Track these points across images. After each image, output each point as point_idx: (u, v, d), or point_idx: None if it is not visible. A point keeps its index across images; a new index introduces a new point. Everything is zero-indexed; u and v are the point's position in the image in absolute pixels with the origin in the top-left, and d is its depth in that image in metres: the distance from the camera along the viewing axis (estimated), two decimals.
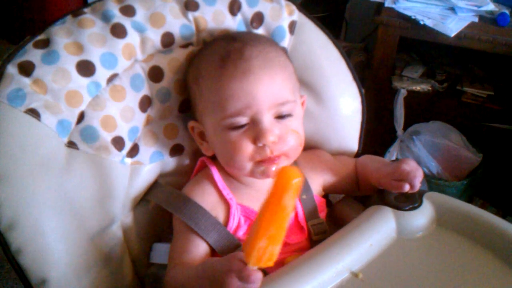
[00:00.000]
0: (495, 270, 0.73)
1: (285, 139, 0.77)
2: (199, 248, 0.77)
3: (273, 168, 0.77)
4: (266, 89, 0.76)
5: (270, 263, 0.64)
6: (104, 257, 0.78)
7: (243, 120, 0.76)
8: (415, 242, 0.77)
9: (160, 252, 0.84)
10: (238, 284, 0.62)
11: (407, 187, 0.78)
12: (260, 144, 0.75)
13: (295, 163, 0.85)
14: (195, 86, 0.81)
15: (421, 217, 0.78)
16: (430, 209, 0.79)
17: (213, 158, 0.85)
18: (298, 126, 0.81)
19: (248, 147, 0.76)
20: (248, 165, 0.77)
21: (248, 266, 0.63)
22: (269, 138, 0.74)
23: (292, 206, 0.62)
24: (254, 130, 0.75)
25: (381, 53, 1.72)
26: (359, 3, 2.17)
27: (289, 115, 0.78)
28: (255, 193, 0.82)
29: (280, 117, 0.77)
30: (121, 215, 0.82)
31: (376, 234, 0.76)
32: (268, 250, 0.63)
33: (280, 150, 0.77)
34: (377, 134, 1.81)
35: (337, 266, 0.71)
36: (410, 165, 0.80)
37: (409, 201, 0.79)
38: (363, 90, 0.95)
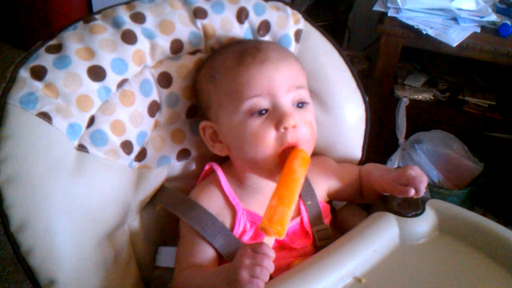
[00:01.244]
0: (497, 277, 0.74)
1: (301, 128, 0.78)
2: (206, 252, 0.78)
3: None
4: (284, 74, 0.78)
5: (281, 229, 0.69)
6: (111, 260, 0.79)
7: (262, 102, 0.77)
8: (418, 249, 0.78)
9: (166, 256, 0.85)
10: (250, 254, 0.66)
11: (412, 192, 0.79)
12: (281, 129, 0.76)
13: None
14: (210, 84, 0.82)
15: (424, 224, 0.79)
16: (432, 216, 0.80)
17: (221, 163, 0.86)
18: (313, 119, 0.82)
19: (270, 134, 0.76)
20: (270, 160, 0.77)
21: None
22: (290, 121, 0.75)
23: (301, 173, 0.72)
24: (275, 115, 0.76)
25: (383, 62, 1.73)
26: (362, 12, 2.19)
27: (306, 103, 0.80)
28: (262, 197, 0.83)
29: (298, 105, 0.79)
30: (128, 218, 0.84)
31: (379, 240, 0.77)
32: (278, 210, 0.70)
33: (297, 138, 0.77)
34: (379, 142, 1.82)
35: (340, 271, 0.72)
36: (415, 171, 0.81)
37: (412, 208, 0.80)
38: (367, 98, 0.96)
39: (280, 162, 0.77)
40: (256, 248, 0.67)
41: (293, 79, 0.79)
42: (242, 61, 0.78)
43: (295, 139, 0.77)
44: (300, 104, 0.80)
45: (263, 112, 0.77)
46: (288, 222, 0.70)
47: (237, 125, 0.78)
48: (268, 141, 0.76)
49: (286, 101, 0.77)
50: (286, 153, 0.76)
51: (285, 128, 0.76)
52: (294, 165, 0.72)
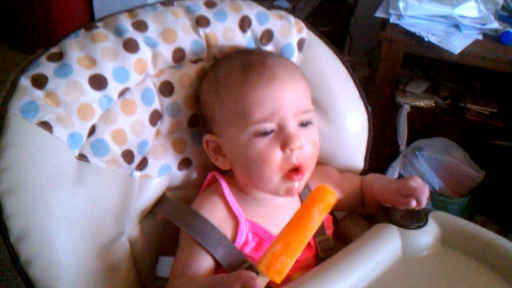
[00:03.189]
0: None
1: (306, 147, 0.78)
2: (204, 263, 0.77)
3: (296, 185, 0.78)
4: (291, 96, 0.77)
5: (277, 278, 0.66)
6: (111, 270, 0.78)
7: (270, 126, 0.76)
8: (420, 261, 0.77)
9: (166, 266, 0.84)
10: None
11: (414, 203, 0.78)
12: (287, 151, 0.76)
13: None
14: (214, 98, 0.81)
15: (427, 236, 0.78)
16: (435, 228, 0.79)
17: (224, 173, 0.86)
18: (316, 136, 0.82)
19: (276, 155, 0.76)
20: (276, 178, 0.77)
21: (258, 276, 0.65)
22: (296, 143, 0.75)
23: (318, 221, 0.66)
24: (281, 136, 0.76)
25: (385, 68, 1.73)
26: (364, 18, 2.19)
27: (310, 123, 0.80)
28: (266, 209, 0.82)
29: (302, 125, 0.79)
30: (129, 228, 0.83)
31: (382, 252, 0.76)
32: (281, 259, 0.65)
33: (302, 157, 0.77)
34: (380, 149, 1.81)
35: (342, 284, 0.70)
36: (417, 182, 0.80)
37: (415, 220, 0.79)
38: (369, 108, 0.96)
39: (282, 182, 0.77)
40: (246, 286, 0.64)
41: (300, 101, 0.79)
42: (248, 78, 0.77)
43: (300, 159, 0.77)
44: (305, 123, 0.79)
45: (269, 131, 0.77)
46: (287, 270, 0.66)
47: (243, 144, 0.78)
48: (274, 161, 0.76)
49: (293, 123, 0.77)
50: (290, 179, 0.77)
51: (291, 150, 0.76)
52: (313, 211, 0.64)
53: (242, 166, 0.81)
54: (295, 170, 0.77)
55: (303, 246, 0.66)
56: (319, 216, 0.67)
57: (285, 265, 0.65)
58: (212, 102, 0.82)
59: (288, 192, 0.78)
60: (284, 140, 0.76)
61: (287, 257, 0.65)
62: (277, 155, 0.76)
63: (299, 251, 0.66)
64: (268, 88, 0.76)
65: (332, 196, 0.68)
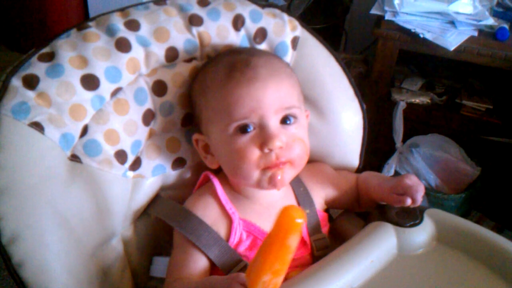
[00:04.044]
0: (495, 287, 0.73)
1: (291, 147, 0.77)
2: (199, 263, 0.77)
3: (279, 177, 0.76)
4: (273, 95, 0.76)
5: None
6: (105, 270, 0.78)
7: (249, 124, 0.76)
8: (416, 259, 0.77)
9: (160, 266, 0.84)
10: None
11: (409, 201, 0.78)
12: (266, 150, 0.75)
13: (298, 176, 0.85)
14: (201, 98, 0.81)
15: (422, 234, 0.78)
16: (431, 226, 0.79)
17: (217, 172, 0.85)
18: (304, 134, 0.81)
19: (254, 153, 0.75)
20: (255, 174, 0.76)
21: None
22: (276, 143, 0.74)
23: (296, 245, 0.63)
24: (261, 135, 0.75)
25: (380, 65, 1.73)
26: (359, 15, 2.18)
27: (295, 120, 0.79)
28: (259, 207, 0.82)
29: (286, 122, 0.78)
30: (122, 228, 0.82)
31: (377, 250, 0.76)
32: (272, 282, 0.64)
33: (286, 157, 0.76)
34: (376, 146, 1.81)
35: (338, 283, 0.70)
36: (412, 180, 0.80)
37: (410, 218, 0.79)
38: (364, 106, 0.95)
39: (262, 174, 0.76)
40: None
41: (283, 99, 0.77)
42: (231, 78, 0.77)
43: (282, 158, 0.76)
44: (289, 121, 0.78)
45: (249, 130, 0.76)
46: (281, 283, 0.65)
47: (224, 142, 0.78)
48: (251, 159, 0.75)
49: (274, 121, 0.76)
50: (270, 170, 0.76)
51: (270, 150, 0.75)
52: (289, 242, 0.62)
53: (224, 163, 0.81)
54: (275, 165, 0.76)
55: (288, 264, 0.64)
56: (295, 242, 0.63)
57: (277, 282, 0.64)
58: (199, 103, 0.82)
59: (271, 182, 0.76)
60: (263, 139, 0.75)
61: (277, 278, 0.64)
62: (254, 153, 0.75)
63: (286, 269, 0.64)
64: (249, 88, 0.76)
65: (300, 219, 0.61)
